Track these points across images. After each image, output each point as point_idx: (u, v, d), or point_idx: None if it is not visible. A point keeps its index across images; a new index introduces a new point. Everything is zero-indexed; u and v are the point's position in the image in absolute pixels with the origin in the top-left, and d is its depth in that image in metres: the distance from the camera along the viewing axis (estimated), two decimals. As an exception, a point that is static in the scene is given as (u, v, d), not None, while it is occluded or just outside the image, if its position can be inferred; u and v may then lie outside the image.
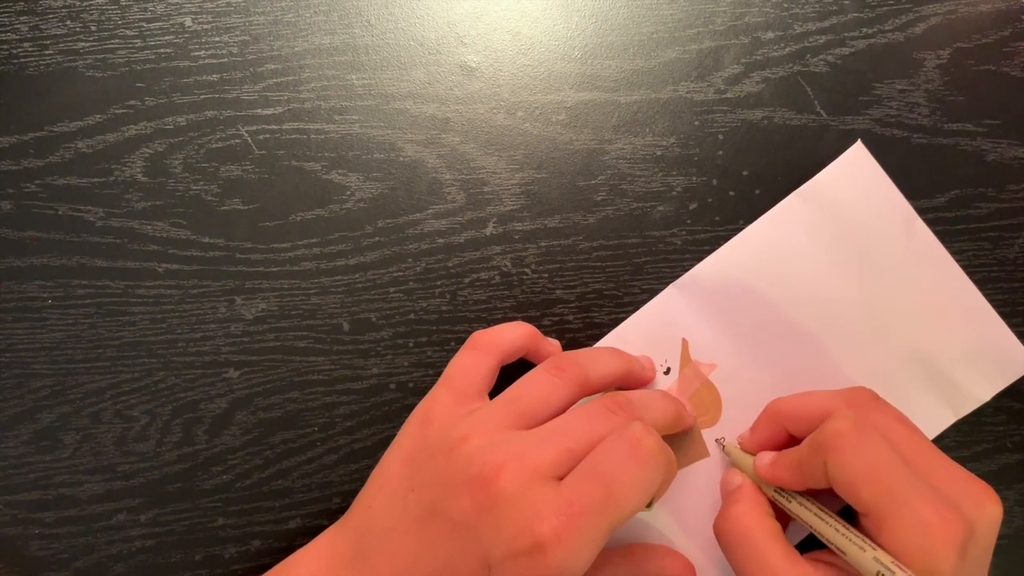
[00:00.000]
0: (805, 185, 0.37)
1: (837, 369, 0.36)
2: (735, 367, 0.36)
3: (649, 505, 0.29)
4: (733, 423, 0.36)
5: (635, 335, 0.37)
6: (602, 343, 0.37)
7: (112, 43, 0.38)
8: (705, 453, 0.36)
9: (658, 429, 0.30)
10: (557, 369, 0.32)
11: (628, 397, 0.31)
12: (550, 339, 0.36)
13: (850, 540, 0.28)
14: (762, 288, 0.36)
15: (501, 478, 0.28)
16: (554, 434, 0.29)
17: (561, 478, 0.28)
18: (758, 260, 0.37)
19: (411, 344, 0.38)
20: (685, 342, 0.37)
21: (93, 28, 0.38)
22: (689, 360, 0.37)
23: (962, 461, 0.30)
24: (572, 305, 0.38)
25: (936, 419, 0.36)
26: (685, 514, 0.36)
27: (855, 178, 0.37)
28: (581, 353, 0.33)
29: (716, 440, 0.36)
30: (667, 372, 0.37)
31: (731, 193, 0.38)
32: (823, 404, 0.32)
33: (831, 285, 0.36)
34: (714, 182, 0.38)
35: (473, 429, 0.30)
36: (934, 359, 0.36)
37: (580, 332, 0.38)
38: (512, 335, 0.34)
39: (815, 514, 0.30)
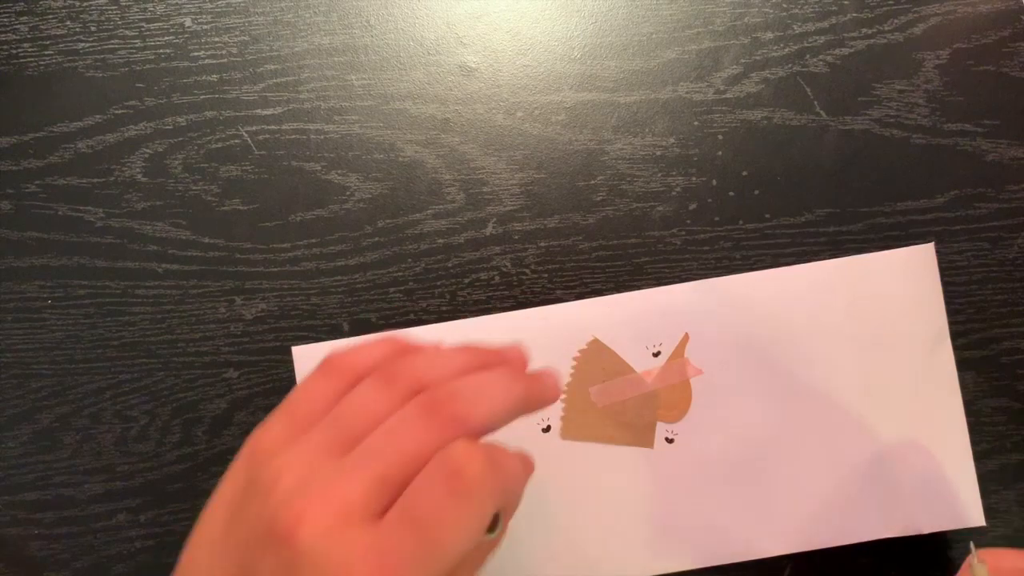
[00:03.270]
0: (864, 256, 0.37)
1: (806, 435, 0.36)
2: (720, 385, 0.37)
3: (492, 529, 0.25)
4: (692, 428, 0.36)
5: (646, 308, 0.37)
6: (613, 299, 0.37)
7: (112, 43, 0.38)
8: (650, 444, 0.36)
9: (500, 420, 0.25)
10: (387, 377, 0.26)
11: (454, 390, 0.25)
12: (429, 346, 0.29)
13: None
14: (779, 328, 0.37)
15: (301, 531, 0.23)
16: (362, 458, 0.24)
17: (382, 512, 0.24)
18: (789, 301, 0.37)
19: (411, 344, 0.38)
20: (687, 336, 0.37)
21: (93, 28, 0.38)
22: (682, 355, 0.37)
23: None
24: (572, 305, 0.38)
25: (866, 526, 0.36)
26: (618, 493, 0.36)
27: (911, 275, 0.37)
28: (421, 354, 0.28)
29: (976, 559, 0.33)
30: (656, 355, 0.37)
31: (731, 193, 0.38)
32: None
33: (842, 358, 0.36)
34: (714, 182, 0.38)
35: (288, 464, 0.25)
36: (897, 471, 0.36)
37: (580, 332, 0.38)
38: (373, 353, 0.28)
39: None
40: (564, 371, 0.37)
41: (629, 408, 0.37)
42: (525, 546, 0.36)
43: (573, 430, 0.36)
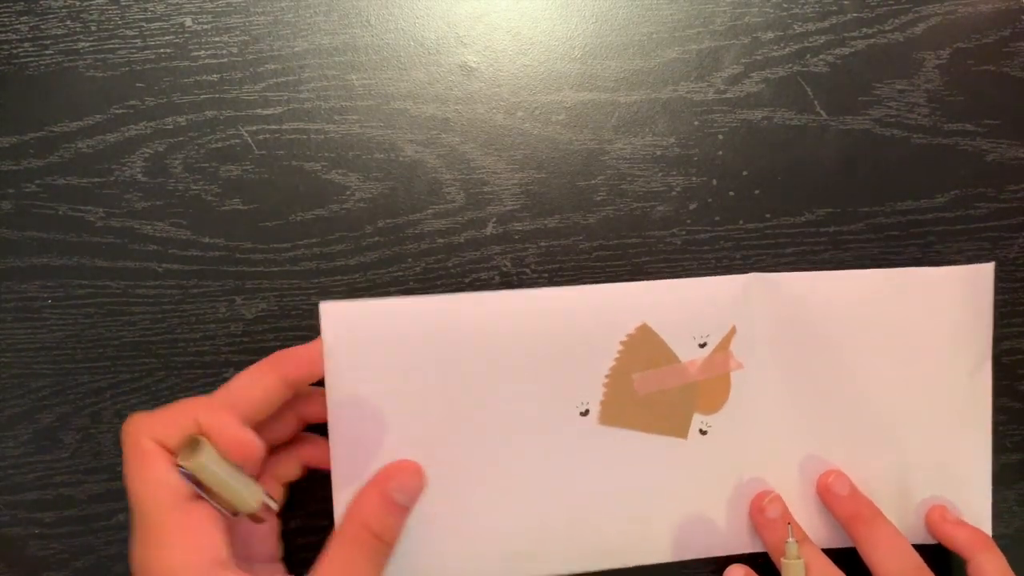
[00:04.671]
0: (922, 269, 0.37)
1: (834, 440, 0.37)
2: (757, 381, 0.36)
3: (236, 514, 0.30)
4: (726, 422, 0.36)
5: (697, 296, 0.36)
6: (666, 284, 0.36)
7: (112, 43, 0.38)
8: (684, 435, 0.36)
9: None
10: None
11: None
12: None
13: None
14: (825, 332, 0.36)
15: None
16: None
17: None
18: (839, 306, 0.36)
19: (411, 344, 0.38)
20: (734, 329, 0.36)
21: (93, 28, 0.38)
22: (727, 347, 0.36)
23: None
24: (572, 305, 0.38)
25: None
26: (648, 481, 0.36)
27: (966, 294, 0.36)
28: None
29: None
30: (702, 346, 0.36)
31: (731, 193, 0.38)
32: None
33: (883, 366, 0.36)
34: (714, 182, 0.38)
35: None
36: (916, 483, 0.37)
37: (580, 332, 0.38)
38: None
39: None
40: (610, 354, 0.36)
41: (668, 397, 0.36)
42: (551, 529, 0.36)
43: (611, 416, 0.36)
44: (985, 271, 0.36)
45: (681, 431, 0.36)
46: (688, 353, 0.36)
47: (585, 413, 0.36)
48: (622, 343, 0.36)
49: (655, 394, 0.36)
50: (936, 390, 0.36)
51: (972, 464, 0.37)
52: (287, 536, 0.37)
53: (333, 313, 0.33)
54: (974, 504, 0.37)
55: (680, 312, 0.36)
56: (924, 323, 0.36)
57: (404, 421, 0.34)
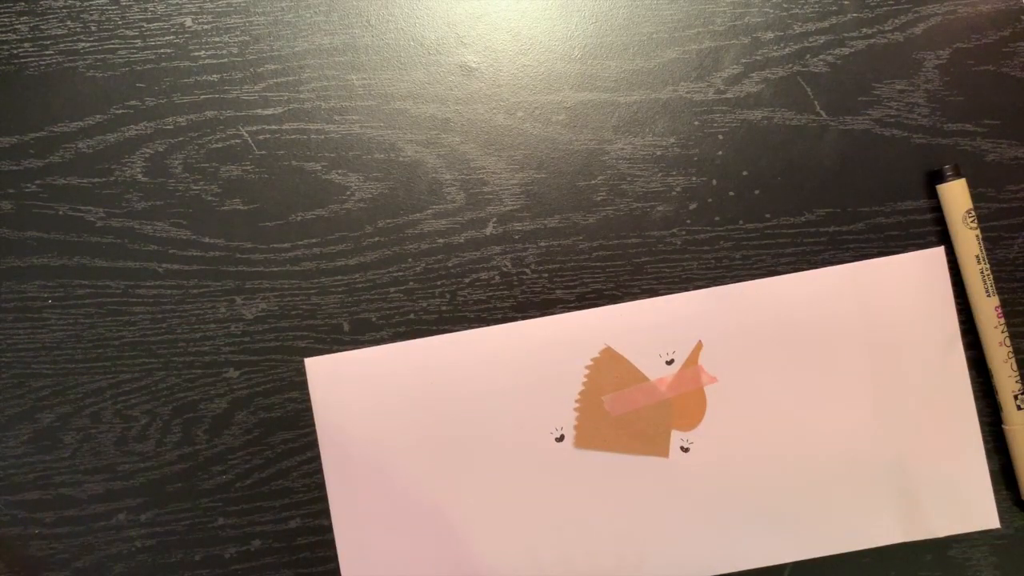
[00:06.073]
0: (874, 260, 0.37)
1: (821, 441, 0.36)
2: (734, 392, 0.37)
3: None
4: (707, 437, 0.36)
5: (658, 315, 0.37)
6: (625, 307, 0.37)
7: (112, 43, 0.38)
8: (665, 453, 0.36)
9: None
10: None
11: None
12: None
13: None
14: (792, 334, 0.37)
15: None
16: None
17: None
18: (801, 306, 0.37)
19: (411, 344, 0.38)
20: (700, 344, 0.37)
21: (93, 28, 0.38)
22: (695, 362, 0.37)
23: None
24: (572, 305, 0.38)
25: (883, 531, 0.36)
26: (633, 502, 0.36)
27: (922, 279, 0.37)
28: None
29: None
30: (669, 363, 0.37)
31: (731, 193, 0.38)
32: None
33: (855, 363, 0.37)
34: (714, 182, 0.38)
35: None
36: (913, 473, 0.36)
37: (580, 332, 0.38)
38: None
39: None
40: (577, 378, 0.37)
41: (643, 417, 0.36)
42: (540, 556, 0.36)
43: (587, 439, 0.36)
44: (936, 254, 0.37)
45: (662, 450, 0.36)
46: (656, 371, 0.37)
47: (560, 439, 0.37)
48: (587, 367, 0.37)
49: (630, 414, 0.36)
50: (912, 377, 0.36)
51: (963, 446, 0.36)
52: (287, 536, 0.37)
53: (318, 367, 0.37)
54: (972, 483, 0.37)
55: (642, 332, 0.37)
56: (888, 311, 0.37)
57: (391, 460, 0.36)
